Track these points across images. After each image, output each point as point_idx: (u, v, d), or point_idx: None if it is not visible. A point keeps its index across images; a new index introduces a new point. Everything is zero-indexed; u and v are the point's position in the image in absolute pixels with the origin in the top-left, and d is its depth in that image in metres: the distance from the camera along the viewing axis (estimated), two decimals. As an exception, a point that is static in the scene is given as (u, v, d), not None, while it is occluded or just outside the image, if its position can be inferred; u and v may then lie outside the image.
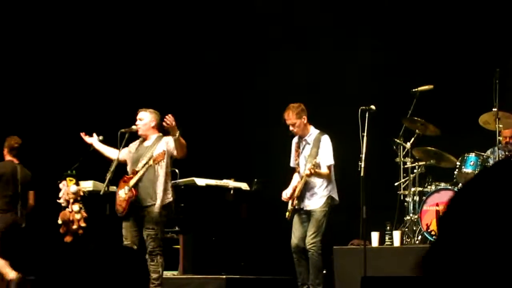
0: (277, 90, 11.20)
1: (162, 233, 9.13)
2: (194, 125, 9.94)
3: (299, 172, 9.23)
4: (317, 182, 9.14)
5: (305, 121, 9.16)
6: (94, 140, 9.48)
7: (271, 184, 10.59)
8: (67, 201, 9.49)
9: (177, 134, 8.77)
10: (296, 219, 9.20)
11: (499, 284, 1.19)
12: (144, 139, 9.28)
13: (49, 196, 9.84)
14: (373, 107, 8.88)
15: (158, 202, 8.95)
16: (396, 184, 9.65)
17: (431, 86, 9.54)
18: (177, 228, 10.45)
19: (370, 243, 9.37)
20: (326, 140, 9.14)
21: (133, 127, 9.24)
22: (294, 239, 9.18)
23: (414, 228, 9.38)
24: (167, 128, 8.77)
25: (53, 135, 11.90)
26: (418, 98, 9.45)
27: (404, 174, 9.61)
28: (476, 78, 10.30)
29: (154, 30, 12.63)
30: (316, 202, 9.10)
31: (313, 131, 9.22)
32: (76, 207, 9.46)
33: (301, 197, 9.10)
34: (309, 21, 11.89)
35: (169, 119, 8.68)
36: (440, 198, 9.27)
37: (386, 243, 9.44)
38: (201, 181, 10.56)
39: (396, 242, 9.29)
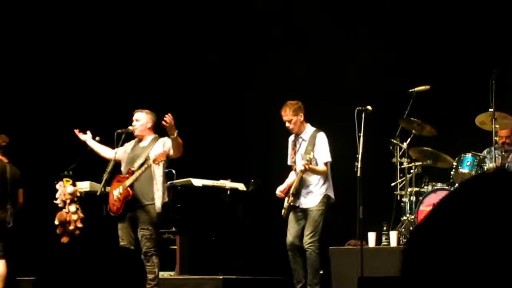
0: (276, 90, 11.19)
1: (157, 234, 9.14)
2: (191, 125, 9.93)
3: (295, 170, 9.24)
4: (313, 180, 9.14)
5: (302, 119, 9.18)
6: (88, 138, 9.49)
7: (268, 184, 10.59)
8: (64, 202, 9.49)
9: (175, 134, 8.79)
10: (291, 217, 9.20)
11: None
12: (140, 140, 9.28)
13: (46, 196, 9.84)
14: (369, 107, 8.89)
15: (159, 203, 8.96)
16: (392, 184, 9.66)
17: (428, 87, 9.55)
18: (173, 229, 10.44)
19: (367, 243, 9.38)
20: (321, 137, 9.15)
21: (130, 127, 9.25)
22: (289, 237, 9.19)
23: (411, 229, 9.38)
24: (166, 127, 8.77)
25: (50, 135, 11.88)
26: (415, 99, 9.46)
27: (401, 175, 9.62)
28: (473, 78, 10.31)
29: (153, 29, 12.62)
30: (312, 200, 9.11)
31: (309, 129, 9.24)
32: (73, 207, 9.46)
33: (296, 195, 9.11)
34: (309, 21, 11.89)
35: (169, 118, 8.70)
36: (436, 198, 9.24)
37: (383, 243, 9.45)
38: (197, 182, 10.56)
39: (393, 243, 9.30)
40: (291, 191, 9.11)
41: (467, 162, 9.29)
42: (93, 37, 12.52)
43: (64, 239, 9.45)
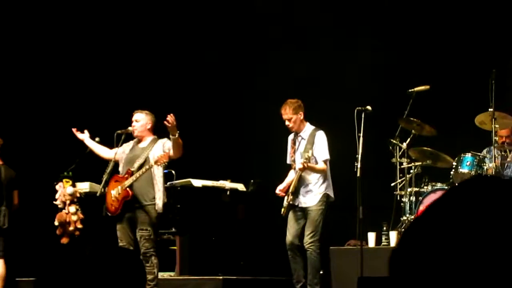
0: (276, 90, 11.19)
1: (156, 234, 9.14)
2: (191, 125, 9.93)
3: (294, 169, 9.24)
4: (312, 178, 9.14)
5: (301, 117, 9.18)
6: (85, 137, 9.49)
7: (268, 185, 10.59)
8: (64, 203, 9.50)
9: (177, 134, 8.80)
10: (291, 216, 9.19)
11: None
12: (139, 141, 9.29)
13: (46, 197, 9.84)
14: (369, 107, 8.89)
15: (160, 203, 8.98)
16: (392, 184, 9.66)
17: (427, 87, 9.54)
18: (173, 229, 10.44)
19: (367, 243, 9.38)
20: (321, 135, 9.16)
21: (129, 128, 9.25)
22: (289, 236, 9.18)
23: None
24: (168, 127, 8.78)
25: (49, 136, 11.88)
26: (415, 99, 9.45)
27: (401, 175, 9.62)
28: (472, 78, 10.32)
29: (152, 29, 12.62)
30: (311, 199, 9.11)
31: (308, 127, 9.24)
32: (72, 208, 9.46)
33: (295, 193, 9.11)
34: (309, 21, 11.89)
35: (171, 119, 8.71)
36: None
37: (383, 243, 9.45)
38: (197, 182, 10.56)
39: (393, 243, 9.30)
40: (290, 190, 9.11)
41: (467, 162, 9.29)
42: (92, 37, 12.52)
43: (64, 240, 9.45)
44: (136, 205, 9.01)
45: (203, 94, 12.59)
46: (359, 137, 8.79)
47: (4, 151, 10.53)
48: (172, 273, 10.47)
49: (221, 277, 9.72)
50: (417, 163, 9.58)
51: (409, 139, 9.52)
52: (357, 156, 8.77)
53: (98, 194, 9.16)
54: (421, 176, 9.68)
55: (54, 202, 9.55)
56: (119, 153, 9.25)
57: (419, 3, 11.50)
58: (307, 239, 9.04)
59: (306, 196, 9.13)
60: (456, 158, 9.39)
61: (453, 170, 9.39)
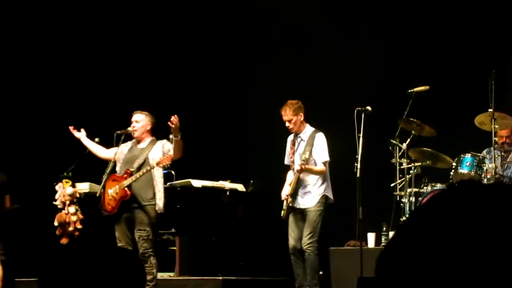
0: (276, 90, 11.19)
1: (154, 234, 9.15)
2: (191, 126, 9.92)
3: (293, 170, 9.23)
4: (311, 180, 9.14)
5: (302, 119, 9.19)
6: (82, 135, 9.51)
7: (268, 185, 10.59)
8: (63, 203, 9.49)
9: (179, 136, 8.82)
10: (291, 220, 9.19)
11: None
12: (138, 141, 9.29)
13: (45, 198, 9.83)
14: (369, 108, 8.89)
15: (161, 203, 9.00)
16: (392, 185, 9.65)
17: (427, 87, 9.54)
18: (173, 230, 10.44)
19: (367, 244, 9.38)
20: (320, 137, 9.16)
21: (129, 128, 9.26)
22: (292, 241, 9.18)
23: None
24: (171, 128, 8.79)
25: (49, 137, 11.88)
26: (414, 99, 9.45)
27: (400, 175, 9.61)
28: (472, 79, 10.31)
29: (152, 30, 12.62)
30: (310, 200, 9.10)
31: (308, 129, 9.25)
32: (72, 209, 9.45)
33: (294, 195, 9.11)
34: (309, 21, 11.89)
35: (175, 120, 8.73)
36: (436, 198, 9.25)
37: (383, 244, 9.44)
38: (197, 183, 10.56)
39: (392, 243, 9.28)
40: (289, 192, 9.11)
41: (467, 162, 9.28)
42: (92, 38, 12.52)
43: (64, 240, 9.44)
44: (134, 205, 9.02)
45: (203, 94, 12.59)
46: (359, 137, 8.79)
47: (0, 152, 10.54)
48: (171, 274, 10.48)
49: (220, 278, 9.72)
50: (416, 164, 9.58)
51: (409, 140, 9.52)
52: (356, 156, 8.77)
53: (97, 195, 9.16)
54: (420, 176, 9.68)
55: (54, 203, 9.54)
56: (117, 153, 9.26)
57: (419, 3, 11.49)
58: (305, 240, 9.04)
59: (304, 197, 9.13)
60: (456, 159, 9.38)
61: (452, 170, 9.38)
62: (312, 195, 9.11)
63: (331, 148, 9.21)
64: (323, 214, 9.10)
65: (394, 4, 11.59)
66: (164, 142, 9.16)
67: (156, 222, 9.09)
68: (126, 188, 9.01)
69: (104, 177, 9.13)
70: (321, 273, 9.37)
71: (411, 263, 1.30)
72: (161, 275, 9.96)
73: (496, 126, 8.98)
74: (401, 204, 9.58)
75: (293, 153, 9.27)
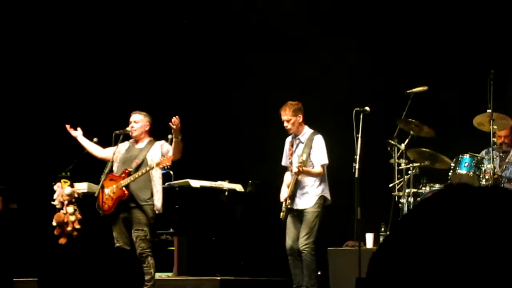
0: (274, 91, 11.19)
1: (152, 234, 9.15)
2: (189, 126, 9.92)
3: (291, 171, 9.23)
4: (308, 181, 9.14)
5: (300, 120, 9.19)
6: (79, 134, 9.51)
7: (266, 185, 10.59)
8: (62, 203, 9.49)
9: (180, 137, 8.83)
10: (289, 220, 9.19)
11: None
12: (136, 141, 9.30)
13: (44, 198, 9.83)
14: (367, 108, 8.89)
15: (159, 204, 9.01)
16: (390, 185, 9.65)
17: (426, 88, 9.54)
18: (171, 230, 10.44)
19: (365, 244, 9.38)
20: (319, 139, 9.17)
21: (128, 129, 9.26)
22: (289, 241, 9.18)
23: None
24: (173, 129, 8.79)
25: (48, 137, 11.87)
26: (413, 100, 9.45)
27: (399, 175, 9.61)
28: (471, 79, 10.32)
29: (151, 31, 12.61)
30: (307, 201, 9.10)
31: (307, 131, 9.25)
32: (70, 209, 9.46)
33: (292, 197, 9.11)
34: (308, 21, 11.89)
35: (177, 121, 8.74)
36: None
37: (381, 244, 9.43)
38: (195, 183, 10.55)
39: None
40: (287, 194, 9.11)
41: (465, 163, 9.29)
42: (90, 40, 12.51)
43: (62, 240, 9.44)
44: (132, 205, 9.02)
45: (201, 94, 12.59)
46: (357, 138, 8.79)
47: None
48: (170, 274, 10.48)
49: (219, 278, 9.72)
50: (415, 164, 9.58)
51: (407, 140, 9.52)
52: (355, 157, 8.77)
53: (96, 195, 9.16)
54: (419, 177, 9.68)
55: (52, 203, 9.54)
56: (115, 152, 9.26)
57: (418, 3, 11.49)
58: (301, 241, 9.04)
59: (302, 198, 9.13)
60: (454, 159, 9.38)
61: (451, 171, 9.38)
62: (310, 196, 9.11)
63: (330, 148, 9.21)
64: (320, 215, 9.10)
65: (393, 5, 11.59)
66: (162, 143, 9.18)
67: (153, 222, 9.09)
68: (124, 188, 9.01)
69: (103, 177, 9.12)
70: (319, 273, 9.37)
71: (403, 265, 1.30)
72: (159, 275, 9.96)
73: (495, 127, 8.98)
74: (400, 205, 9.58)
75: (291, 155, 9.27)
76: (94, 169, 9.48)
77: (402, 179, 9.56)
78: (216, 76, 12.58)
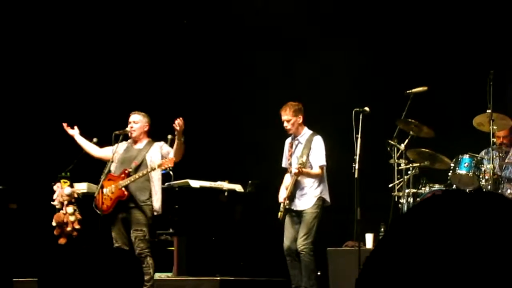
0: (274, 91, 11.19)
1: (150, 235, 9.15)
2: (189, 126, 9.91)
3: (291, 172, 9.24)
4: (307, 182, 9.14)
5: (300, 121, 9.19)
6: (75, 133, 9.51)
7: (265, 186, 10.59)
8: (62, 203, 9.49)
9: (182, 139, 8.85)
10: (287, 221, 9.19)
11: None
12: (135, 142, 9.30)
13: (43, 198, 9.83)
14: (367, 108, 8.90)
15: (157, 205, 9.01)
16: (390, 185, 9.65)
17: (425, 88, 9.54)
18: (171, 230, 10.44)
19: (365, 244, 9.38)
20: (318, 141, 9.17)
21: (127, 129, 9.26)
22: (286, 241, 9.18)
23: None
24: (176, 130, 8.80)
25: (47, 137, 11.87)
26: (412, 100, 9.45)
27: (398, 176, 9.61)
28: (470, 79, 10.32)
29: (150, 31, 12.61)
30: (306, 202, 9.10)
31: (306, 132, 9.25)
32: (70, 209, 9.45)
33: (291, 197, 9.11)
34: (308, 21, 11.89)
35: (181, 123, 8.76)
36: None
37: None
38: (195, 183, 10.55)
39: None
40: (286, 194, 9.11)
41: (465, 163, 9.29)
42: (89, 41, 12.51)
43: (62, 241, 9.44)
44: (130, 205, 9.02)
45: (201, 94, 12.59)
46: (357, 138, 8.79)
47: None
48: (169, 274, 10.48)
49: (218, 278, 9.72)
50: (415, 164, 9.58)
51: (407, 140, 9.52)
52: (355, 157, 8.77)
53: (95, 195, 9.16)
54: (419, 177, 9.68)
55: (52, 203, 9.54)
56: (114, 151, 9.26)
57: (417, 4, 11.49)
58: (300, 241, 9.04)
59: (301, 199, 9.13)
60: (454, 160, 9.38)
61: (451, 171, 9.39)
62: (309, 197, 9.11)
63: (330, 149, 9.21)
64: (319, 216, 9.10)
65: (393, 5, 11.59)
66: (161, 144, 9.18)
67: (152, 222, 9.09)
68: (123, 189, 9.01)
69: (102, 177, 9.12)
70: (319, 273, 9.37)
71: (394, 267, 1.31)
72: (159, 275, 9.96)
73: (495, 127, 8.98)
74: (399, 205, 9.58)
75: (291, 156, 9.27)
76: (94, 169, 9.48)
77: (401, 179, 9.57)
78: (216, 76, 12.59)
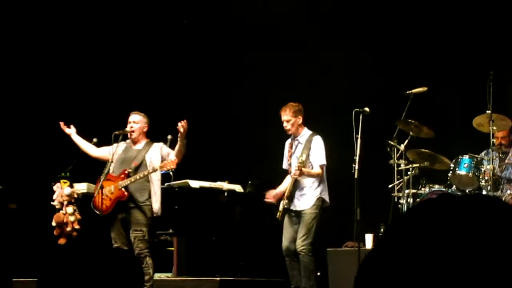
0: (273, 91, 11.19)
1: (149, 235, 9.15)
2: (189, 126, 9.91)
3: (291, 173, 9.24)
4: (307, 182, 9.14)
5: (300, 121, 9.19)
6: (72, 132, 9.51)
7: (265, 186, 10.58)
8: (61, 203, 9.49)
9: (185, 141, 8.87)
10: (286, 221, 9.19)
11: None
12: (134, 142, 9.29)
13: (43, 198, 9.83)
14: (367, 109, 8.90)
15: (156, 206, 9.01)
16: (390, 186, 9.65)
17: (425, 88, 9.54)
18: (171, 230, 10.44)
19: (364, 245, 9.38)
20: (317, 141, 9.17)
21: (127, 129, 9.26)
22: (285, 242, 9.18)
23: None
24: (180, 132, 8.81)
25: (47, 137, 11.87)
26: (412, 100, 9.45)
27: (398, 176, 9.61)
28: (470, 80, 10.32)
29: (149, 31, 12.61)
30: (305, 202, 9.10)
31: (306, 132, 9.26)
32: (70, 209, 9.45)
33: (291, 197, 9.11)
34: (308, 21, 11.89)
35: (185, 125, 8.77)
36: (434, 200, 9.24)
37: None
38: (195, 183, 10.55)
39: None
40: (285, 194, 9.11)
41: (465, 164, 9.29)
42: (88, 41, 12.51)
43: (62, 241, 9.44)
44: (130, 205, 9.02)
45: (201, 94, 12.59)
46: (356, 138, 8.79)
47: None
48: (169, 274, 10.47)
49: (218, 278, 9.72)
50: (414, 165, 9.58)
51: (406, 141, 9.51)
52: (354, 157, 8.77)
53: (95, 195, 9.15)
54: (418, 177, 9.68)
55: (52, 203, 9.54)
56: (111, 152, 9.26)
57: (418, 4, 11.50)
58: (299, 242, 9.03)
59: (300, 199, 9.13)
60: (454, 160, 9.39)
61: (450, 172, 9.39)
62: (308, 197, 9.11)
63: (329, 149, 9.21)
64: (318, 217, 9.09)
65: (392, 5, 11.59)
66: (161, 145, 9.18)
67: (151, 222, 9.09)
68: (123, 189, 9.01)
69: (102, 178, 9.12)
70: (318, 274, 9.37)
71: (390, 274, 1.31)
72: (158, 276, 9.96)
73: (494, 128, 8.98)
74: (399, 205, 9.59)
75: (291, 156, 9.27)
76: (94, 169, 9.48)
77: (401, 180, 9.56)
78: (216, 76, 12.59)
